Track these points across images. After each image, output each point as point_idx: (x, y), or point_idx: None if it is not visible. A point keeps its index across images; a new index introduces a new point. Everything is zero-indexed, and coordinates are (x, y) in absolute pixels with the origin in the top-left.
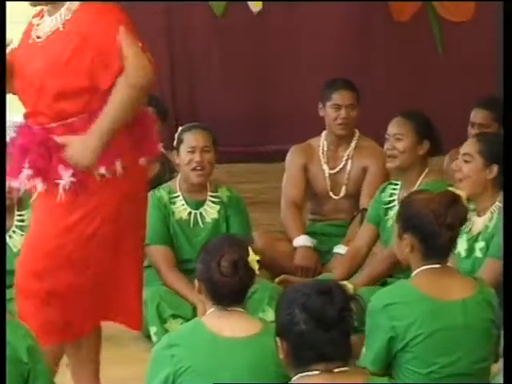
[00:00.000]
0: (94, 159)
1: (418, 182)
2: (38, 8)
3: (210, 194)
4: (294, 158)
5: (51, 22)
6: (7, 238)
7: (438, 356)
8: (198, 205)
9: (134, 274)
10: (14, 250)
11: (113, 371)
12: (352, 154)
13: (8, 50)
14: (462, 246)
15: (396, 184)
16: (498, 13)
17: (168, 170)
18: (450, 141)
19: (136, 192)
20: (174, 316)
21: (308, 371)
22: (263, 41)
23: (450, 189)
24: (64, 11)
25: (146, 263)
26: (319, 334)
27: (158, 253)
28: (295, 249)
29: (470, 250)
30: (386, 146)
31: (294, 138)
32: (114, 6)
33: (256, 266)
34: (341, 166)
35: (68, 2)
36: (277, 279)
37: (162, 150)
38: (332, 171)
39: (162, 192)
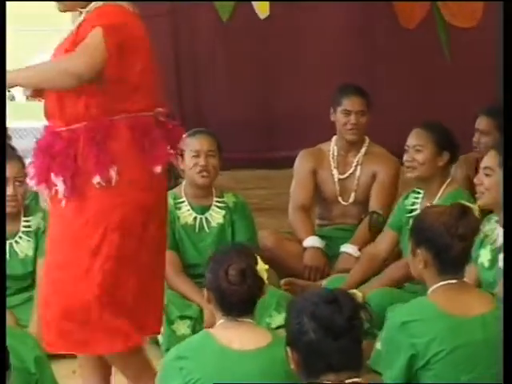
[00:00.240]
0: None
1: (440, 192)
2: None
3: (215, 199)
4: (303, 162)
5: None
6: (13, 244)
7: (459, 372)
8: (204, 210)
9: (157, 288)
10: (20, 255)
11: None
12: (362, 160)
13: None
14: (485, 256)
15: (419, 192)
16: (497, 13)
17: (173, 177)
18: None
19: (148, 201)
20: (182, 317)
21: (319, 382)
22: (269, 45)
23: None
24: (81, 17)
25: None
26: (328, 342)
27: None
28: (304, 249)
29: (494, 260)
30: (406, 157)
31: (301, 144)
32: (114, 10)
33: (265, 275)
34: (350, 171)
35: (87, 8)
36: (282, 281)
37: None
38: (341, 176)
39: None
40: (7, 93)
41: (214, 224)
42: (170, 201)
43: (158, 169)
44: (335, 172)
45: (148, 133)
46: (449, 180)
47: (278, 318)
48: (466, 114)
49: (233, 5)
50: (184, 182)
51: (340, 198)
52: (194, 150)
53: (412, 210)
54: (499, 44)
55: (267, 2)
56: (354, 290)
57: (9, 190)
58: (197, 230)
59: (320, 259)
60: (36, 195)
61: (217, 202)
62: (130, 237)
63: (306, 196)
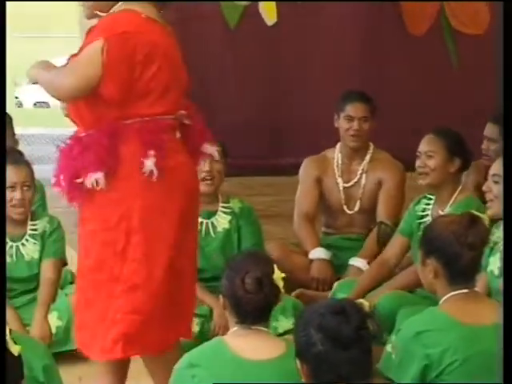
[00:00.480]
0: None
1: (452, 199)
2: None
3: (221, 204)
4: (307, 170)
5: None
6: (20, 246)
7: (472, 382)
8: (210, 215)
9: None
10: (26, 257)
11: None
12: (367, 167)
13: None
14: (495, 264)
15: (430, 198)
16: (497, 13)
17: None
18: None
19: (168, 203)
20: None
21: None
22: (277, 52)
23: (473, 211)
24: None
25: None
26: (337, 353)
27: None
28: (311, 261)
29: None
30: (418, 163)
31: (307, 151)
32: (124, 18)
33: (281, 284)
34: (355, 179)
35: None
36: (293, 293)
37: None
38: (346, 185)
39: None
40: (15, 99)
41: (219, 229)
42: None
43: (178, 170)
44: (340, 180)
45: (163, 136)
46: (460, 187)
47: (285, 323)
48: (474, 121)
49: (240, 12)
50: None
51: (345, 207)
52: None
53: (423, 216)
54: (499, 44)
55: (275, 9)
56: (361, 300)
57: (17, 195)
58: (203, 234)
59: (327, 271)
60: (43, 201)
61: (223, 207)
62: (155, 239)
63: (311, 204)
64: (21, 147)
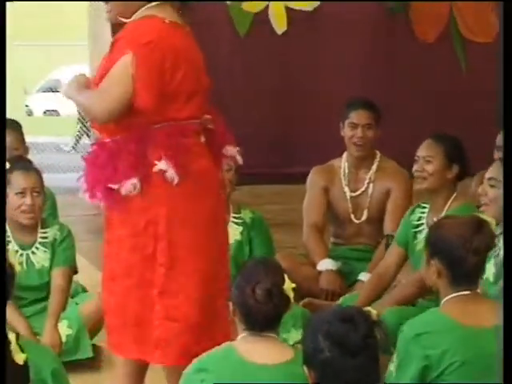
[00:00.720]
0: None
1: (447, 206)
2: None
3: (232, 215)
4: (314, 180)
5: None
6: (30, 255)
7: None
8: None
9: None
10: (37, 266)
11: None
12: (374, 176)
13: None
14: (490, 271)
15: (424, 207)
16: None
17: None
18: (476, 162)
19: (192, 208)
20: None
21: None
22: (287, 60)
23: (478, 214)
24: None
25: None
26: (344, 361)
27: None
28: (319, 272)
29: (499, 275)
30: (415, 167)
31: (317, 160)
32: (149, 25)
33: (291, 294)
34: (363, 188)
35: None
36: (301, 302)
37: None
38: (353, 194)
39: None
40: (25, 108)
41: (231, 241)
42: None
43: (202, 175)
44: (347, 189)
45: (189, 140)
46: (455, 194)
47: (296, 334)
48: (485, 130)
49: (250, 20)
50: None
51: (353, 216)
52: None
53: (418, 225)
54: (499, 44)
55: (285, 17)
56: (369, 308)
57: (27, 200)
58: None
59: (335, 282)
60: (53, 209)
61: (234, 218)
62: (181, 245)
63: (319, 214)
64: (30, 156)
